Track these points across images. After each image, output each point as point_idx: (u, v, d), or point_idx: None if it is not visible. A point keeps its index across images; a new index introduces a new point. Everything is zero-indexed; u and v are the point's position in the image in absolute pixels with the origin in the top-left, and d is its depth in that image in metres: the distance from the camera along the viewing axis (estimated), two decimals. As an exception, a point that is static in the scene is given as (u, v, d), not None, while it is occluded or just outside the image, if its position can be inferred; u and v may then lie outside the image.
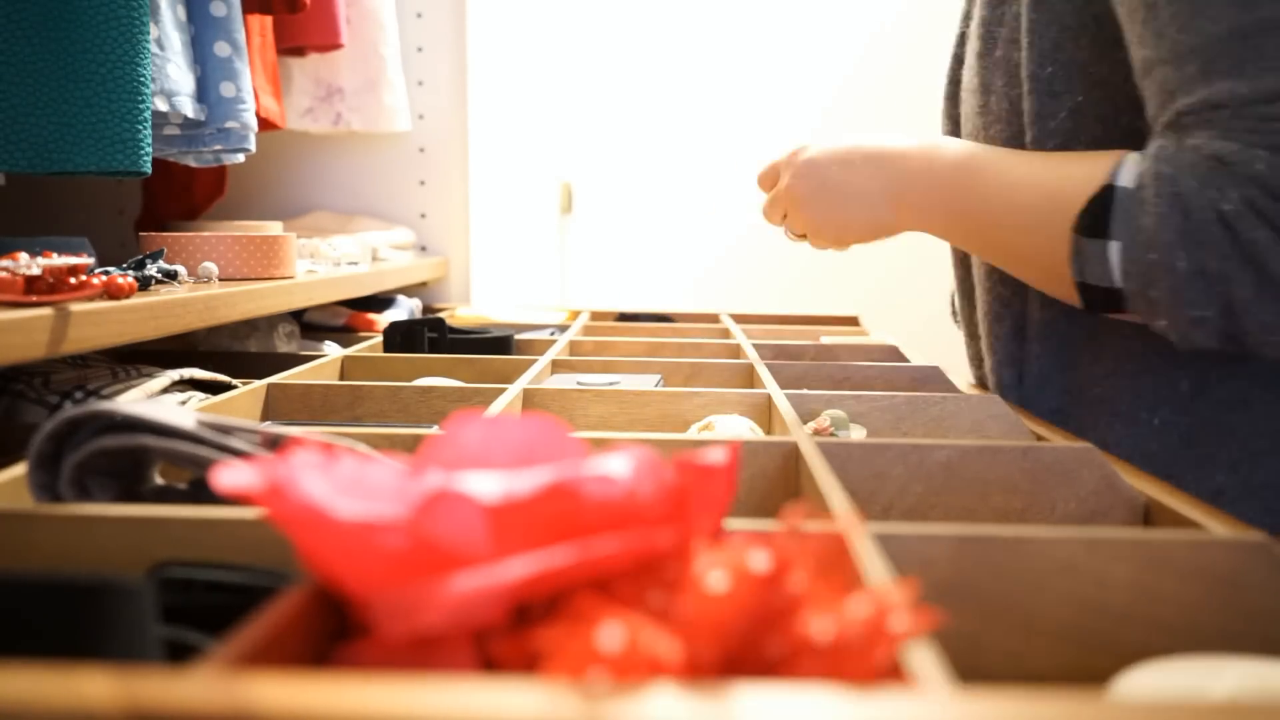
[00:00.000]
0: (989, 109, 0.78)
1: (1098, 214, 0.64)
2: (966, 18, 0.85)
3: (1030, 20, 0.74)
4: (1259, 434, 0.71)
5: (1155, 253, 0.61)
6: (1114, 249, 0.63)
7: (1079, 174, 0.67)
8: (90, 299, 0.63)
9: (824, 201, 0.81)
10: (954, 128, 0.87)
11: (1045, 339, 0.78)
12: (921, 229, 0.79)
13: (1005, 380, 0.81)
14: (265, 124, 1.16)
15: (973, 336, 0.90)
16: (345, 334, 1.22)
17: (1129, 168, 0.64)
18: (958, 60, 0.86)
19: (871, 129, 0.92)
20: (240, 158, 1.02)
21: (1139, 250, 0.62)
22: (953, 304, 1.00)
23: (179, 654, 0.30)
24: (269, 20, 1.18)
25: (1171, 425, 0.73)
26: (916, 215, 0.78)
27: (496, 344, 0.98)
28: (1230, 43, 0.60)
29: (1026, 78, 0.75)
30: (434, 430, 0.60)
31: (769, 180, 0.87)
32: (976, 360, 0.90)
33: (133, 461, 0.44)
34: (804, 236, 0.86)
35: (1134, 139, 0.69)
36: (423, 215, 1.57)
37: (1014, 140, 0.77)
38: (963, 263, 0.89)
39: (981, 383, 0.90)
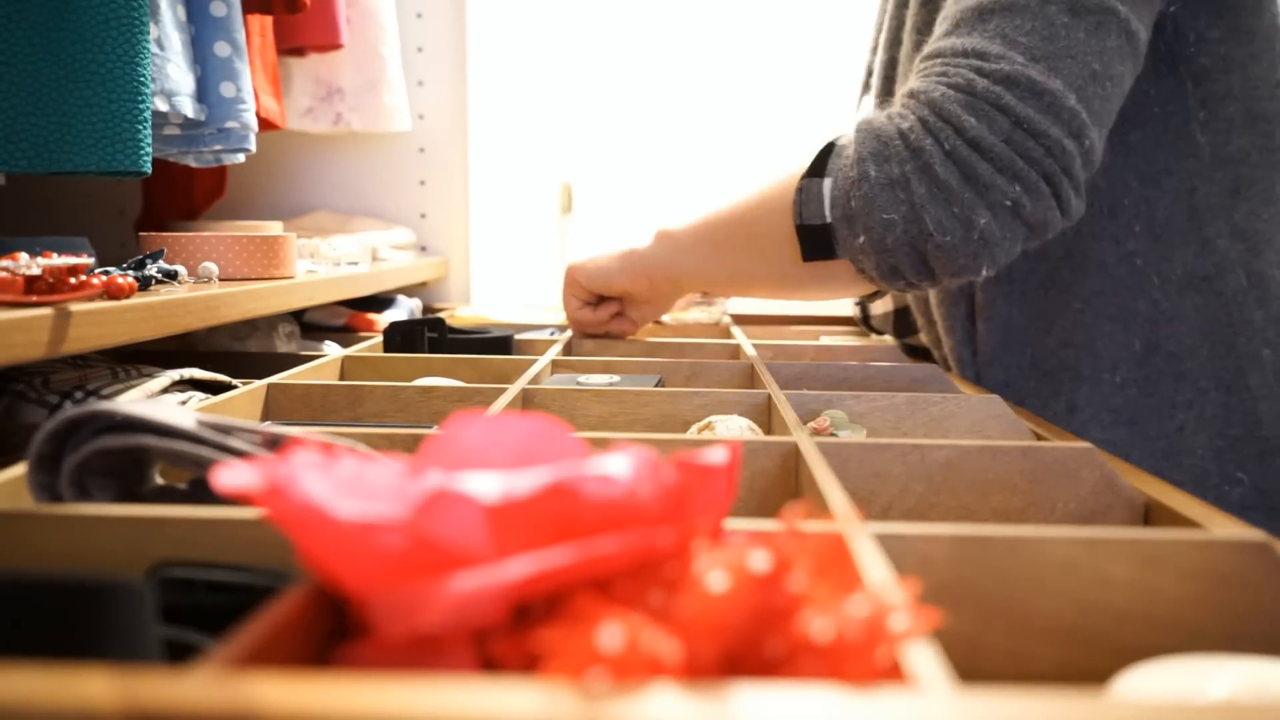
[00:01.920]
0: None
1: (818, 162, 0.79)
2: (891, 46, 0.99)
3: None
4: (1205, 375, 0.85)
5: (854, 170, 0.75)
6: (827, 184, 0.78)
7: (806, 154, 0.82)
8: (90, 299, 0.63)
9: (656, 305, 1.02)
10: None
11: (989, 320, 0.90)
12: (703, 283, 0.96)
13: (963, 357, 0.93)
14: (265, 124, 1.17)
15: (929, 322, 1.01)
16: (345, 334, 1.22)
17: (844, 133, 0.80)
18: (888, 82, 0.99)
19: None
20: (240, 158, 1.02)
21: (842, 176, 0.76)
22: (864, 311, 1.17)
23: (179, 654, 0.30)
24: (269, 20, 1.18)
25: (1131, 380, 0.86)
26: (693, 267, 0.93)
27: (496, 344, 0.98)
28: (970, 14, 0.76)
29: None
30: (434, 430, 0.60)
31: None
32: (936, 344, 1.01)
33: (133, 461, 0.44)
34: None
35: None
36: (423, 215, 1.57)
37: None
38: None
39: (943, 364, 0.97)
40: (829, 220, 0.77)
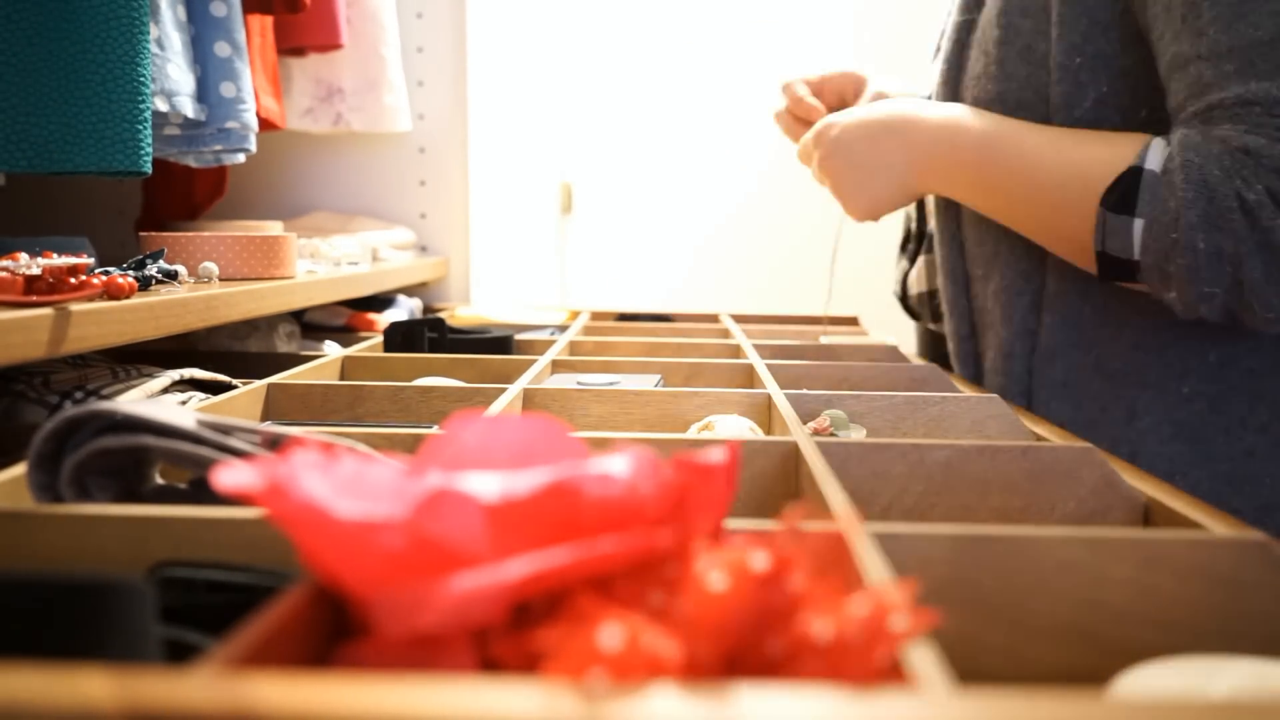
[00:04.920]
0: (1007, 97, 0.82)
1: (1125, 193, 0.70)
2: (970, 8, 0.89)
3: (1060, 13, 0.79)
4: None
5: (1177, 233, 0.67)
6: (1138, 225, 0.69)
7: (1104, 154, 0.73)
8: (90, 299, 0.63)
9: (853, 177, 0.88)
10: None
11: (1058, 312, 0.83)
12: (947, 195, 0.86)
13: (1017, 351, 0.85)
14: (265, 124, 1.16)
15: (962, 316, 0.92)
16: (345, 334, 1.22)
17: (1155, 152, 0.70)
18: (960, 46, 0.89)
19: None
20: (240, 158, 1.02)
21: (1162, 229, 0.68)
22: (904, 289, 1.05)
23: (179, 654, 0.30)
24: (269, 20, 1.18)
25: (1200, 394, 0.78)
26: (941, 184, 0.85)
27: (496, 344, 0.98)
28: (1270, 48, 0.65)
29: (1056, 67, 0.79)
30: (434, 430, 0.60)
31: (807, 157, 0.94)
32: (964, 336, 0.92)
33: (133, 461, 0.44)
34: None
35: (1151, 129, 0.74)
36: (423, 215, 1.57)
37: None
38: (955, 247, 0.92)
39: (966, 358, 0.90)
40: (1137, 259, 0.70)
